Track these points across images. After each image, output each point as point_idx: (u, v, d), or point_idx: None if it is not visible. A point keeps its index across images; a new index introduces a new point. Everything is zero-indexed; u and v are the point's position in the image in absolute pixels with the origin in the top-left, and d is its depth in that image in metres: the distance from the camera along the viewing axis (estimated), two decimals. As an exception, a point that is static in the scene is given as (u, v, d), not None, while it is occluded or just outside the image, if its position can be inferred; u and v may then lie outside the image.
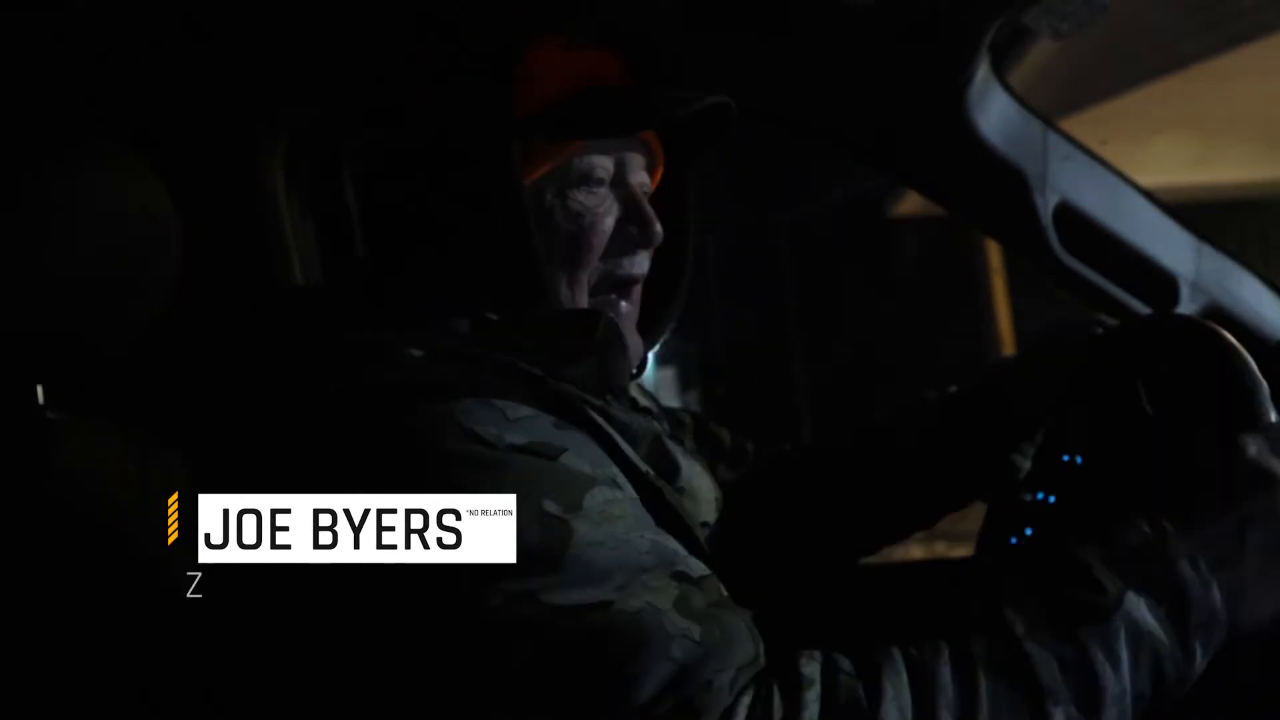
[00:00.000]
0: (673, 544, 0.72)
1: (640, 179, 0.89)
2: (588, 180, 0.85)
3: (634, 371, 0.93)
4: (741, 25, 1.07)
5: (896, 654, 0.68)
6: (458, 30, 0.84)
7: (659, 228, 0.87)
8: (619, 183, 0.87)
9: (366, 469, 0.71)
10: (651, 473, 0.80)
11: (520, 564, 0.66)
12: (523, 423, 0.72)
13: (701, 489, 0.89)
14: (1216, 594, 0.69)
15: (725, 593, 0.72)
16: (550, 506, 0.68)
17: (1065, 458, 0.93)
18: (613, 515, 0.70)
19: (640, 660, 0.65)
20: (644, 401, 0.99)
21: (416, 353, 0.75)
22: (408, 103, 0.83)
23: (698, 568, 0.71)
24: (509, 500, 0.68)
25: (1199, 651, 0.69)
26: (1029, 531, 0.94)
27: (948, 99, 1.13)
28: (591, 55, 0.85)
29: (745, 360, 6.65)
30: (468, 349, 0.78)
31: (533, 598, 0.66)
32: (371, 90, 0.87)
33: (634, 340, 0.90)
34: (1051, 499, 0.93)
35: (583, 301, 0.85)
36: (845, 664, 0.68)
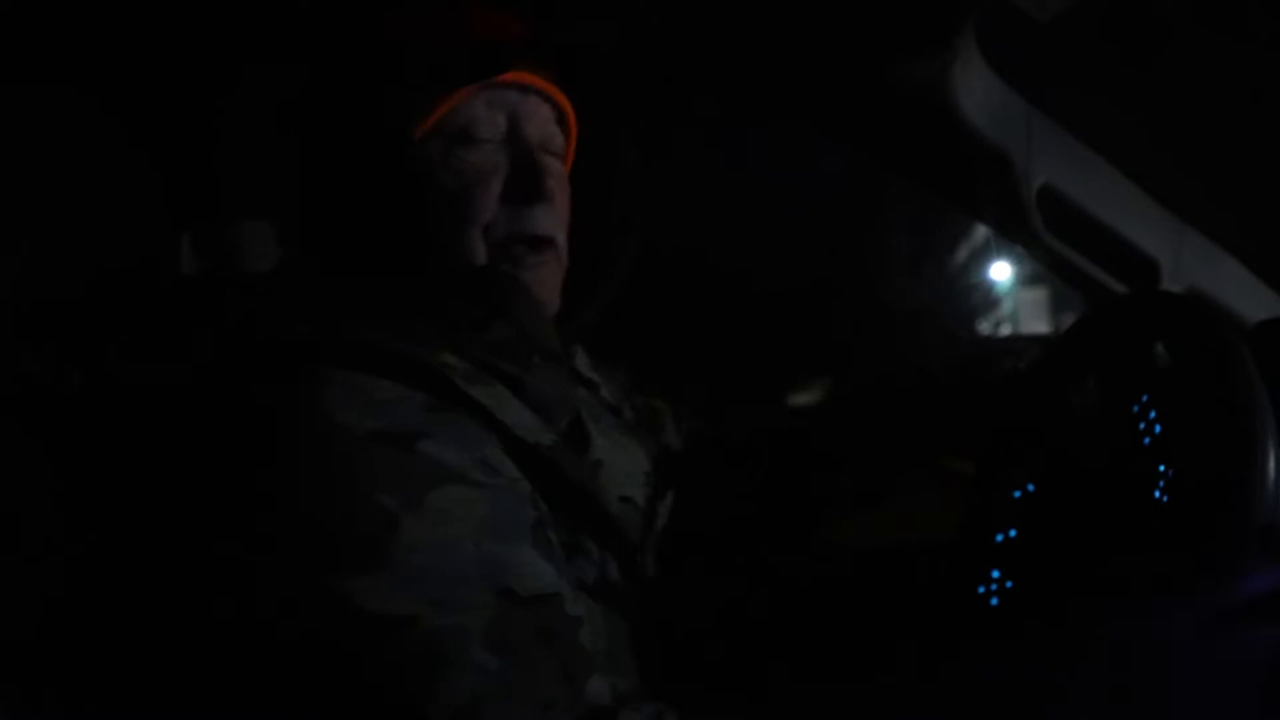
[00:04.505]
0: (518, 556, 0.70)
1: (542, 133, 0.88)
2: (470, 135, 0.84)
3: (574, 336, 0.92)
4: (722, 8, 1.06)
5: None
6: None
7: (549, 183, 0.85)
8: (513, 138, 0.86)
9: (218, 449, 0.71)
10: (550, 444, 0.78)
11: (339, 557, 0.66)
12: (386, 405, 0.71)
13: (620, 463, 0.85)
14: None
15: (570, 612, 0.70)
16: (385, 500, 0.67)
17: (1016, 494, 0.90)
18: (455, 516, 0.68)
19: (435, 685, 0.64)
20: (589, 373, 0.97)
21: (287, 327, 0.75)
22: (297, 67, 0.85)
23: (535, 585, 0.69)
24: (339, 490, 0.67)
25: None
26: (1013, 533, 0.90)
27: (930, 79, 1.12)
28: (487, 15, 0.86)
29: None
30: (344, 325, 0.76)
31: (345, 598, 0.65)
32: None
33: (548, 299, 0.88)
34: (1012, 533, 0.89)
35: (480, 256, 0.85)
36: None
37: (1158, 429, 0.79)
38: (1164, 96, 1.14)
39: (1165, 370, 0.82)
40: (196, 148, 0.89)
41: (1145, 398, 0.81)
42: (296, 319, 0.76)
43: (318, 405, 0.70)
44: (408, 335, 0.77)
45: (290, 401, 0.70)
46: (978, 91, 1.14)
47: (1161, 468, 0.77)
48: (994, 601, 0.88)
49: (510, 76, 0.86)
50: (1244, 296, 1.17)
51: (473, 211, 0.84)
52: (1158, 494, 0.76)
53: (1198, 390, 0.75)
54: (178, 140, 0.91)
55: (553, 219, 0.87)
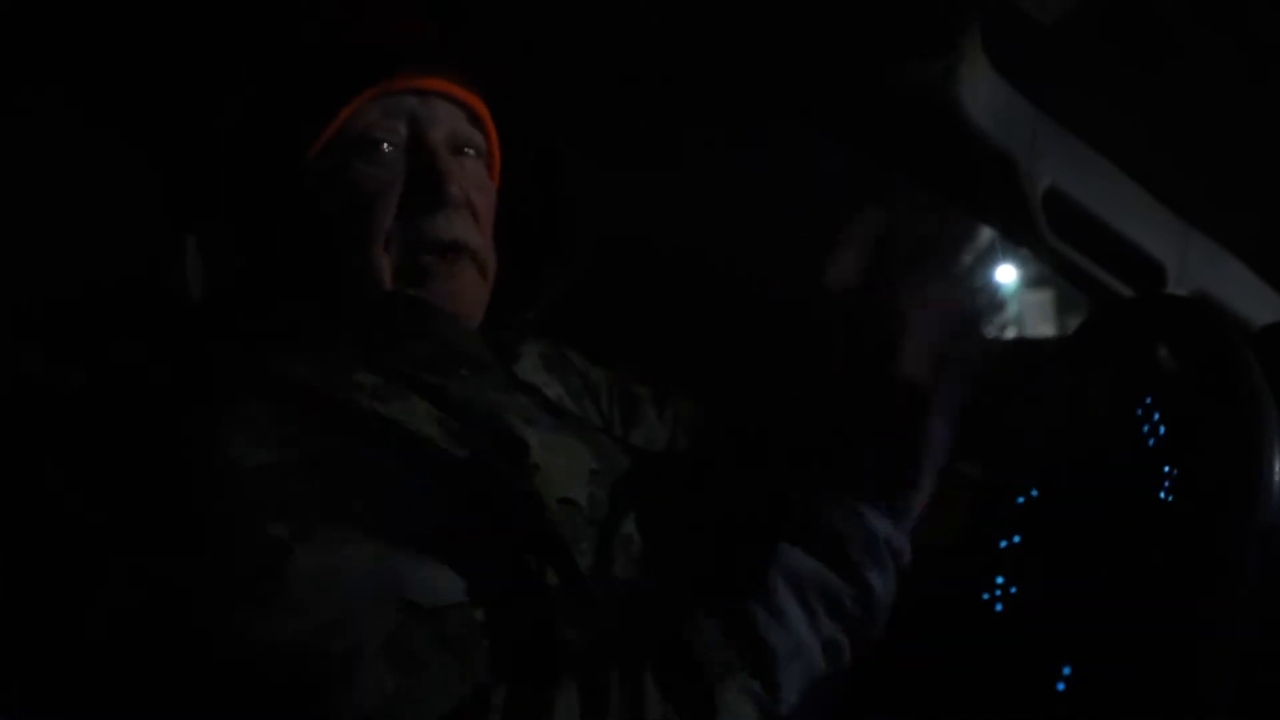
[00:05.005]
0: (418, 570, 0.69)
1: (450, 137, 0.87)
2: (367, 144, 0.83)
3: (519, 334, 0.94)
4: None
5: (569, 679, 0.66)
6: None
7: (451, 188, 0.83)
8: (415, 144, 0.85)
9: (121, 483, 0.72)
10: (468, 454, 0.77)
11: (235, 590, 0.66)
12: (280, 435, 0.70)
13: (559, 464, 0.82)
14: (872, 519, 0.69)
15: (477, 618, 0.69)
16: (276, 530, 0.66)
17: (1020, 500, 0.88)
18: (351, 539, 0.68)
19: (337, 708, 0.64)
20: (532, 377, 0.95)
21: (192, 358, 0.76)
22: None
23: (436, 598, 0.68)
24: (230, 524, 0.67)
25: (874, 578, 0.69)
26: (1017, 539, 0.88)
27: (935, 80, 1.12)
28: (375, 21, 0.86)
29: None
30: (254, 353, 0.77)
31: (240, 628, 0.65)
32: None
33: (469, 308, 0.87)
34: (1016, 539, 0.88)
35: (386, 272, 0.83)
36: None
37: (1161, 430, 0.78)
38: (1168, 98, 1.14)
39: (1170, 373, 0.81)
40: (196, 149, 0.89)
41: (1149, 401, 0.80)
42: (216, 348, 0.77)
43: (214, 441, 0.70)
44: (323, 355, 0.77)
45: (190, 439, 0.71)
46: (983, 93, 1.14)
47: (1166, 470, 0.76)
48: (998, 608, 0.87)
49: (409, 81, 0.84)
50: (1249, 299, 1.16)
51: (372, 223, 0.82)
52: (1162, 495, 0.76)
53: (1202, 393, 0.74)
54: (177, 142, 0.91)
55: (461, 223, 0.85)
